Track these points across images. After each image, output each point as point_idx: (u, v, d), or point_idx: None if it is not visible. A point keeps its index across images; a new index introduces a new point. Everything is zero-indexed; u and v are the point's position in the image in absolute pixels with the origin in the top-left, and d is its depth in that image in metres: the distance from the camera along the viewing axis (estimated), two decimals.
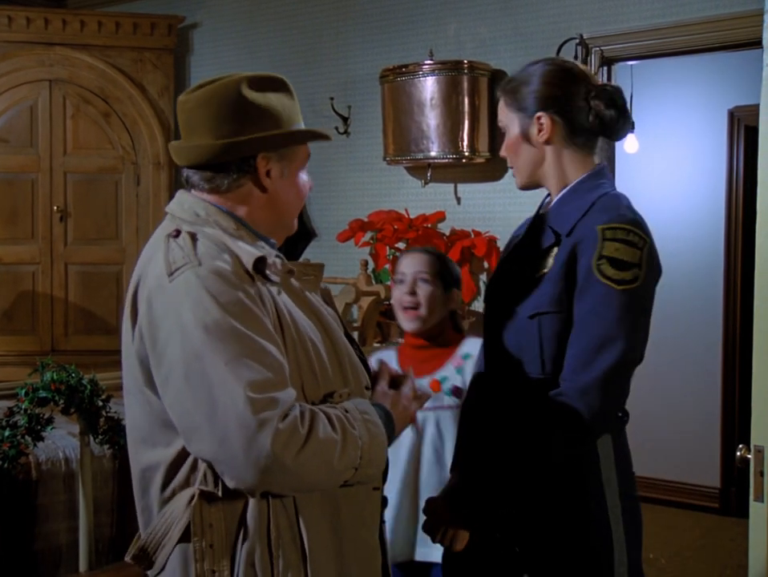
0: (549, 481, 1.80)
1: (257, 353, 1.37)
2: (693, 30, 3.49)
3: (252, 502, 1.44)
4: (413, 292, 2.33)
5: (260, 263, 1.47)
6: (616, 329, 1.74)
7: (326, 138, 1.67)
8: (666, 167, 5.18)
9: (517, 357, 1.85)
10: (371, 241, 3.97)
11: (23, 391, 2.69)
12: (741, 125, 5.15)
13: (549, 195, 1.99)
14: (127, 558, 1.53)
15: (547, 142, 1.88)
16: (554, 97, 1.88)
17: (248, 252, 1.48)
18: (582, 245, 1.77)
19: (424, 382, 2.28)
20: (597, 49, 3.67)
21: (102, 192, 4.81)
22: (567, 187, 1.89)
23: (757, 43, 2.65)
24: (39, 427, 2.71)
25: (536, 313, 1.81)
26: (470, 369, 2.27)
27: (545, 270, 1.82)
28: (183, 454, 1.46)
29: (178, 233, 1.49)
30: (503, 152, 1.95)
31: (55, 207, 4.73)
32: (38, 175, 4.73)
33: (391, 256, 3.92)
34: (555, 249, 1.82)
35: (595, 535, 1.82)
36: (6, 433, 2.64)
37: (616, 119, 1.89)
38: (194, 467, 1.46)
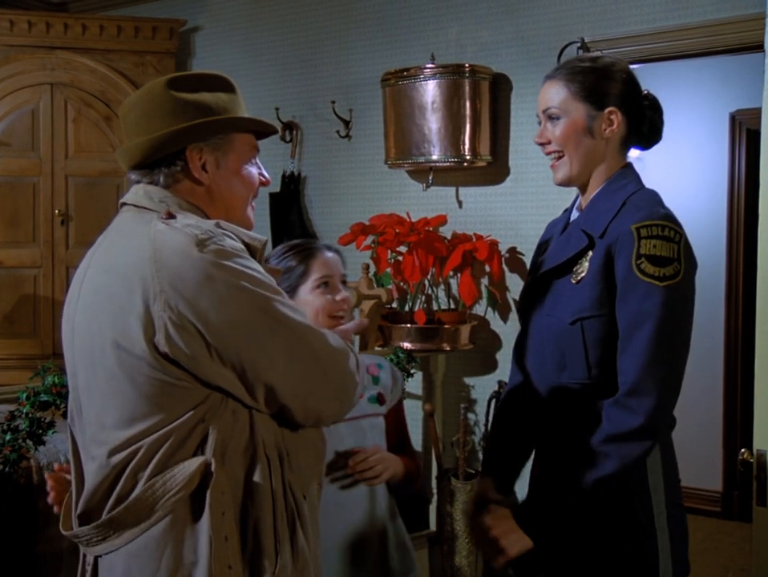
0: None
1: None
2: (695, 33, 3.49)
3: (257, 470, 1.46)
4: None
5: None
6: (667, 328, 1.72)
7: (262, 125, 1.65)
8: (668, 170, 5.17)
9: (561, 363, 1.82)
10: (372, 245, 3.97)
11: (24, 395, 2.68)
12: (743, 128, 5.15)
13: (577, 197, 1.97)
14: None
15: (608, 139, 1.86)
16: (630, 97, 1.87)
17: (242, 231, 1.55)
18: (617, 246, 1.75)
19: None
20: (599, 52, 3.66)
21: (103, 196, 4.80)
22: (598, 189, 1.88)
23: (758, 47, 2.65)
24: (41, 431, 2.69)
25: (578, 318, 1.78)
26: (385, 376, 2.22)
27: (583, 274, 1.80)
28: (181, 427, 1.43)
29: (171, 215, 1.49)
30: (546, 140, 1.88)
31: (57, 211, 4.72)
32: (39, 179, 4.73)
33: (393, 260, 3.91)
34: (590, 253, 1.80)
35: (640, 543, 1.78)
36: (8, 437, 2.62)
37: (660, 131, 1.92)
38: (203, 438, 1.44)
